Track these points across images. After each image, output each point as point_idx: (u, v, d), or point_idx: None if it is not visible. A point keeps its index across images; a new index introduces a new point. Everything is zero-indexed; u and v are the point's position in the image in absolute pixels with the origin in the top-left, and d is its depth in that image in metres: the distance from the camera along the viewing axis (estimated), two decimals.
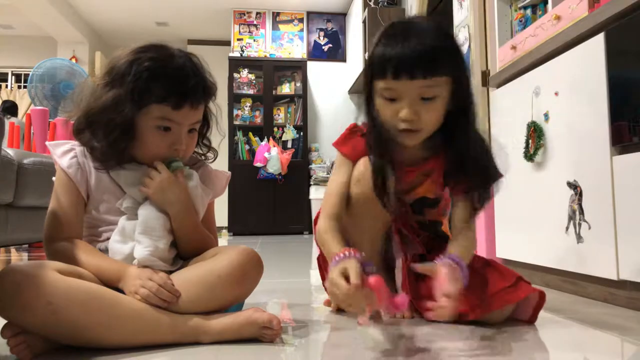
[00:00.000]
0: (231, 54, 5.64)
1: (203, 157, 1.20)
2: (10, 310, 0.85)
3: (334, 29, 5.97)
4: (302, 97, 5.56)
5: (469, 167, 1.07)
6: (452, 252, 1.03)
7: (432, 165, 1.13)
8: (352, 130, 1.17)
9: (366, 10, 4.20)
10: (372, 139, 1.09)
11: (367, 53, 1.03)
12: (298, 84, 5.66)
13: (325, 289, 1.06)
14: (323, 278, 1.26)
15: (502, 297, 1.05)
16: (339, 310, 1.24)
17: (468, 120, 1.07)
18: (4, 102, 5.13)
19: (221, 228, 5.79)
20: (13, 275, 0.84)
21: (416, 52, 0.96)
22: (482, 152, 1.09)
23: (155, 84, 1.00)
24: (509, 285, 1.06)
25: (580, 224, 1.45)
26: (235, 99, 5.51)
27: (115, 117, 0.99)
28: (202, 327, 0.95)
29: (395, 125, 1.03)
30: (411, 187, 1.13)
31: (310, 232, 5.16)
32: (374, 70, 1.03)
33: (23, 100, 6.47)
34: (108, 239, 1.03)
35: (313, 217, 3.85)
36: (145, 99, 1.00)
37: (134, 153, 1.05)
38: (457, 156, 1.08)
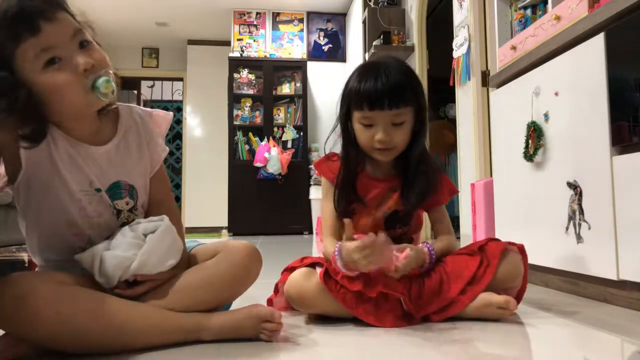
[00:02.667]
0: (231, 54, 5.64)
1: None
2: (16, 322, 0.81)
3: (334, 29, 5.97)
4: (302, 97, 5.57)
5: (416, 173, 1.24)
6: (431, 244, 1.23)
7: (397, 182, 1.27)
8: (328, 156, 1.34)
9: (366, 10, 4.20)
10: (347, 151, 1.27)
11: (345, 87, 1.28)
12: (298, 84, 5.66)
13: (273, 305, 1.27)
14: (270, 302, 1.32)
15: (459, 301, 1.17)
16: (315, 319, 1.19)
17: (422, 135, 1.26)
18: None
19: (221, 228, 5.79)
20: (19, 286, 0.81)
21: (386, 88, 1.16)
22: (427, 163, 1.28)
23: None
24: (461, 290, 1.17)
25: (580, 224, 1.45)
26: (235, 99, 5.51)
27: None
28: (203, 324, 0.95)
29: (372, 146, 1.21)
30: (382, 199, 1.27)
31: (310, 232, 5.15)
32: (352, 102, 1.22)
33: None
34: None
35: (313, 218, 3.87)
36: None
37: (58, 114, 0.91)
38: (411, 168, 1.25)
